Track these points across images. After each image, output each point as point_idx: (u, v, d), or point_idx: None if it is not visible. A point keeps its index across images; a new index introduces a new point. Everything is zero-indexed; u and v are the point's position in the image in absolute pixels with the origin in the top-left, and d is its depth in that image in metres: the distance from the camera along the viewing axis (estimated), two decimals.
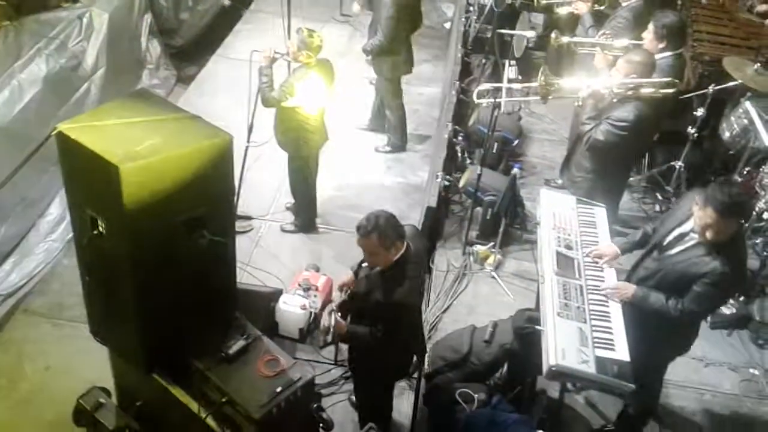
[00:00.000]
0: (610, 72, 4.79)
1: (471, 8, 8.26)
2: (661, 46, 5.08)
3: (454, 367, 4.35)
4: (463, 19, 8.32)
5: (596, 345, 3.51)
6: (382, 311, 3.66)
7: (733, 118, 5.93)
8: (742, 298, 5.22)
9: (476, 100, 5.62)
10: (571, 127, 5.96)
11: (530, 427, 3.93)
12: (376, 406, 4.26)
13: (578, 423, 4.47)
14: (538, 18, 8.18)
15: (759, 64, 5.75)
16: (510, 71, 6.57)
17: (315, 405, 3.89)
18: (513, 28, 6.36)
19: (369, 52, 6.60)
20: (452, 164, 6.41)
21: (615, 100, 4.61)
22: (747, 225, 5.34)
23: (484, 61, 7.42)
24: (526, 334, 4.04)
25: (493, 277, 5.43)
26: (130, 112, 3.22)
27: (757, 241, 5.43)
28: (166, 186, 3.03)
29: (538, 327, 3.73)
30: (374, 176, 6.94)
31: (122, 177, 2.87)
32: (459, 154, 6.60)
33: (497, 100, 5.25)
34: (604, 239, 4.21)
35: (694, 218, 3.62)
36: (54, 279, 5.64)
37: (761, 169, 5.50)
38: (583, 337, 3.54)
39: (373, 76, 7.08)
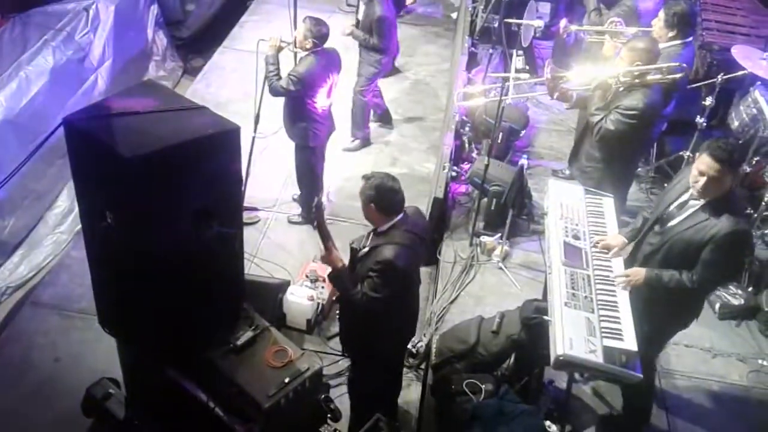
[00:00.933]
0: (616, 61, 4.77)
1: None
2: (671, 34, 5.06)
3: (461, 357, 4.35)
4: (470, 9, 8.29)
5: (604, 335, 3.50)
6: (367, 267, 3.65)
7: (742, 108, 5.89)
8: (750, 289, 5.21)
9: (456, 102, 5.70)
10: (579, 117, 5.94)
11: (538, 417, 3.93)
12: (372, 393, 4.21)
13: (586, 413, 4.46)
14: (546, 7, 8.14)
15: None
16: (517, 61, 6.54)
17: (323, 395, 3.92)
18: (520, 18, 6.31)
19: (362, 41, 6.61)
20: (459, 155, 6.40)
21: (622, 89, 4.59)
22: (756, 215, 5.33)
23: (491, 51, 7.39)
24: (534, 325, 4.04)
25: (501, 268, 5.42)
26: (137, 103, 3.22)
27: (766, 231, 5.41)
28: (173, 177, 3.04)
29: (545, 317, 3.72)
30: (381, 167, 6.94)
31: (130, 168, 2.88)
32: (466, 145, 6.59)
33: (505, 87, 5.24)
34: (612, 229, 4.19)
35: (689, 178, 3.62)
36: (62, 271, 5.66)
37: None
38: (590, 327, 3.53)
39: None
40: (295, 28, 5.54)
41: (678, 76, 4.67)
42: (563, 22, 5.85)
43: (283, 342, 3.70)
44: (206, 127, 3.16)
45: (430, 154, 7.14)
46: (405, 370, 4.76)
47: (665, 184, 6.14)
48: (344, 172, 6.70)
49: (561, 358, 3.41)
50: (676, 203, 3.79)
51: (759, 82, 5.80)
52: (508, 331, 4.24)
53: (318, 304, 5.18)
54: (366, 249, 3.71)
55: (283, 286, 5.15)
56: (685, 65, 4.72)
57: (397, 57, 7.80)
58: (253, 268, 5.45)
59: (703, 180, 3.53)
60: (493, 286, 5.31)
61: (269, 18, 9.04)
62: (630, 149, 4.80)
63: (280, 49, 5.32)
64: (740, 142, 5.89)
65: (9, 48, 6.33)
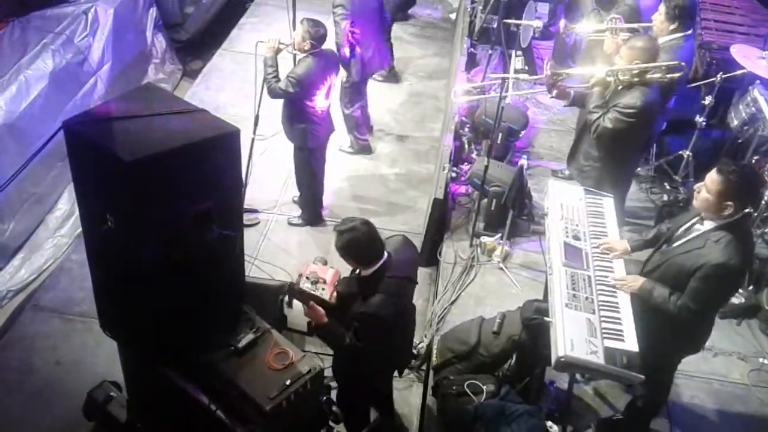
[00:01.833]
0: (615, 59, 4.77)
1: None
2: (672, 27, 5.08)
3: (462, 358, 4.35)
4: (469, 10, 8.29)
5: (605, 336, 3.49)
6: (352, 313, 3.62)
7: (741, 107, 5.89)
8: (751, 288, 5.21)
9: (454, 99, 5.68)
10: (578, 116, 5.94)
11: (539, 418, 3.93)
12: (355, 416, 4.25)
13: (587, 413, 4.46)
14: (544, 7, 8.14)
15: (767, 52, 5.72)
16: (516, 62, 6.54)
17: (324, 397, 3.91)
18: (519, 18, 6.31)
19: None
20: (458, 156, 6.40)
21: (620, 88, 4.59)
22: (756, 215, 5.32)
23: (490, 51, 7.39)
24: (535, 325, 4.04)
25: (501, 269, 5.42)
26: (136, 106, 3.22)
27: (766, 230, 5.41)
28: (173, 180, 3.04)
29: (546, 318, 3.72)
30: (381, 168, 6.94)
31: (130, 171, 2.88)
32: (465, 146, 6.59)
33: (504, 88, 5.24)
34: (612, 229, 4.18)
35: (697, 201, 3.53)
36: (63, 274, 5.66)
37: None
38: (591, 328, 3.53)
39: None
40: (294, 30, 5.54)
41: (677, 75, 4.67)
42: (563, 22, 5.86)
43: (284, 344, 3.70)
44: (206, 130, 3.16)
45: (429, 155, 7.14)
46: (406, 371, 4.77)
47: (665, 184, 6.19)
48: (342, 172, 6.70)
49: (562, 359, 3.41)
50: (685, 226, 3.71)
51: (758, 81, 5.80)
52: (509, 332, 4.24)
53: None
54: (351, 294, 3.69)
55: (284, 288, 5.14)
56: (684, 64, 4.73)
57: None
58: (254, 270, 5.45)
59: (702, 193, 3.46)
60: (493, 286, 5.31)
61: (268, 20, 9.05)
62: (628, 148, 4.79)
63: (278, 51, 5.32)
64: (739, 141, 5.92)
65: (8, 52, 6.33)
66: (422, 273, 4.37)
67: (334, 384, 4.67)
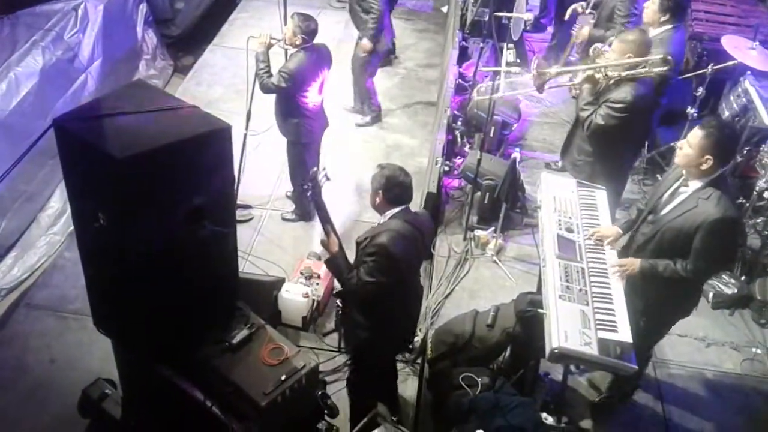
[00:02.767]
0: (605, 54, 4.77)
1: None
2: (663, 19, 5.08)
3: (457, 351, 4.36)
4: (461, 2, 8.28)
5: (598, 327, 3.51)
6: (364, 249, 3.71)
7: (732, 98, 5.91)
8: (743, 278, 5.23)
9: (476, 97, 5.69)
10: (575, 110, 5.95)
11: (534, 409, 3.94)
12: (371, 392, 4.20)
13: (582, 404, 4.48)
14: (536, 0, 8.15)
15: (758, 43, 5.74)
16: (507, 54, 6.54)
17: (320, 392, 3.92)
18: (510, 11, 6.31)
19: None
20: (451, 149, 6.39)
21: (611, 83, 4.59)
22: (747, 205, 5.35)
23: (481, 45, 7.38)
24: (529, 318, 4.04)
25: (495, 262, 5.44)
26: (127, 103, 3.21)
27: (758, 220, 5.43)
28: (165, 177, 3.03)
29: (540, 310, 3.73)
30: (375, 162, 6.91)
31: (122, 168, 2.87)
32: (458, 140, 6.58)
33: (495, 83, 5.26)
34: (605, 221, 4.20)
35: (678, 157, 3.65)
36: (56, 272, 5.65)
37: (761, 148, 5.48)
38: (585, 320, 3.54)
39: None
40: (285, 24, 5.53)
41: (665, 69, 4.66)
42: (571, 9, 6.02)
43: (279, 339, 3.70)
44: (197, 126, 3.16)
45: (422, 148, 7.14)
46: (401, 365, 4.78)
47: (657, 176, 6.20)
48: (338, 167, 6.68)
49: (556, 350, 3.42)
50: (668, 192, 3.81)
51: (749, 72, 5.82)
52: (503, 325, 4.25)
53: (313, 301, 5.18)
54: (366, 239, 3.75)
55: (278, 283, 5.14)
56: (670, 58, 4.72)
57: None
58: (248, 266, 5.45)
59: (684, 148, 3.59)
60: (487, 279, 5.32)
61: (259, 15, 9.02)
62: (622, 144, 4.79)
63: (270, 46, 5.30)
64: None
65: None
66: None
67: (329, 379, 4.70)
